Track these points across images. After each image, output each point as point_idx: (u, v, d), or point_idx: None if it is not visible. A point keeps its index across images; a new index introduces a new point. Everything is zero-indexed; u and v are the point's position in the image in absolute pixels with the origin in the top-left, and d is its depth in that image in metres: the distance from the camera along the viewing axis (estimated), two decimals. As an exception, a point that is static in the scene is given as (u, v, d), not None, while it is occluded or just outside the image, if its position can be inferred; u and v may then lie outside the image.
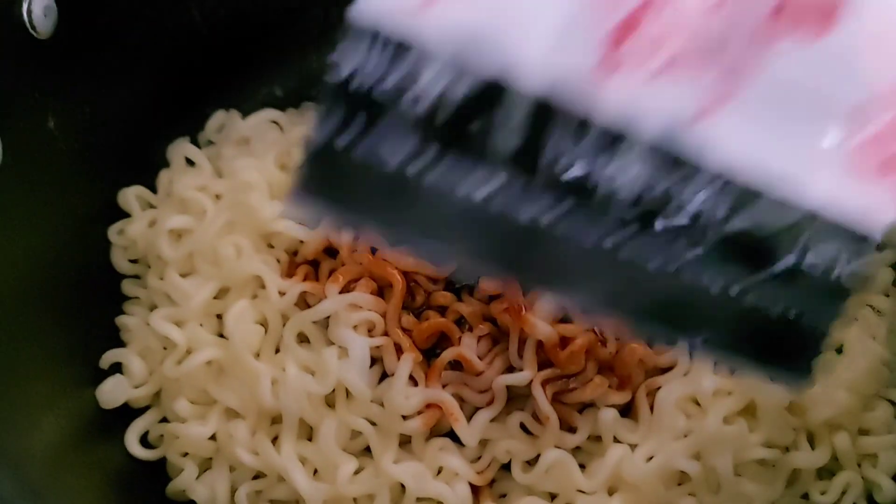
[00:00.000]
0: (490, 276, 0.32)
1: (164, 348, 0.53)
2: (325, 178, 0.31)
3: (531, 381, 0.47)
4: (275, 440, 0.50)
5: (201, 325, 0.52)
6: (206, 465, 0.51)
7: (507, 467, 0.49)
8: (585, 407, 0.49)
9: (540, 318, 0.48)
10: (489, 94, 0.29)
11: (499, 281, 0.39)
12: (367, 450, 0.49)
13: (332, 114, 0.30)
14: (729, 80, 0.30)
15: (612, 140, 0.29)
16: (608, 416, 0.48)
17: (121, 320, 0.55)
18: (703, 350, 0.32)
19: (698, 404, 0.49)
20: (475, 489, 0.48)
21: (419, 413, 0.48)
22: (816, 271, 0.30)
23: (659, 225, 0.30)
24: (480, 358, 0.49)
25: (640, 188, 0.30)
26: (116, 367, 0.52)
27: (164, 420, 0.52)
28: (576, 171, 0.29)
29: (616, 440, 0.48)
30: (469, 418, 0.48)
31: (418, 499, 0.47)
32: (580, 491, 0.48)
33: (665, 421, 0.48)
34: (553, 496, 0.48)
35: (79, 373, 0.51)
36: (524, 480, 0.48)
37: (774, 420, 0.48)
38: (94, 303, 0.54)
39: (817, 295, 0.31)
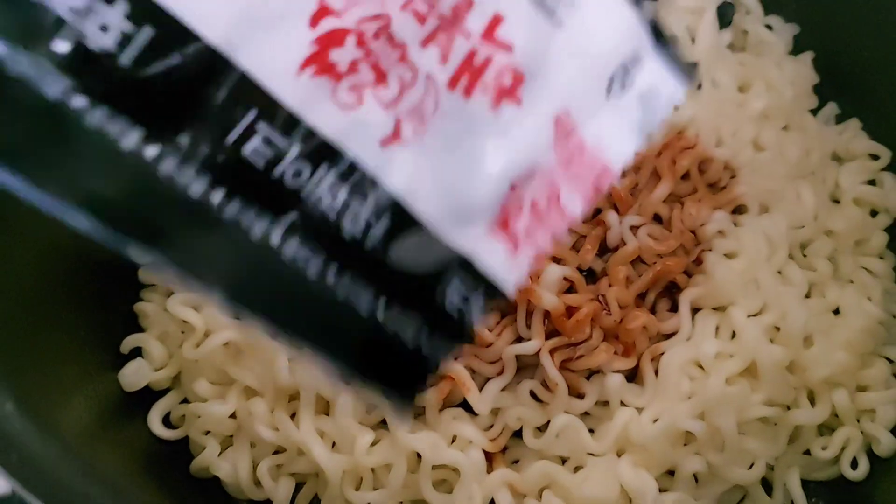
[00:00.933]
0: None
1: (182, 332, 0.54)
2: None
3: (539, 349, 0.49)
4: (293, 416, 0.51)
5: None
6: (227, 443, 0.52)
7: (518, 434, 0.51)
8: (592, 374, 0.51)
9: (546, 289, 0.49)
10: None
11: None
12: (383, 422, 0.51)
13: None
14: (415, 114, 0.29)
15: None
16: (614, 381, 0.49)
17: (139, 307, 0.56)
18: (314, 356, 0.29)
19: (701, 368, 0.51)
20: (488, 456, 0.50)
21: (432, 385, 0.50)
22: (451, 308, 0.30)
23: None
24: (489, 330, 0.51)
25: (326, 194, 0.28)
26: (137, 352, 0.54)
27: (185, 401, 0.54)
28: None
29: (623, 405, 0.50)
30: (480, 388, 0.50)
31: (434, 466, 0.49)
32: (590, 454, 0.49)
33: (670, 384, 0.50)
34: (564, 459, 0.50)
35: (102, 358, 0.53)
36: (535, 445, 0.49)
37: (775, 380, 0.50)
38: (113, 290, 0.55)
39: (445, 330, 0.30)
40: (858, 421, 0.52)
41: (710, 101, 0.58)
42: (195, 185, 0.26)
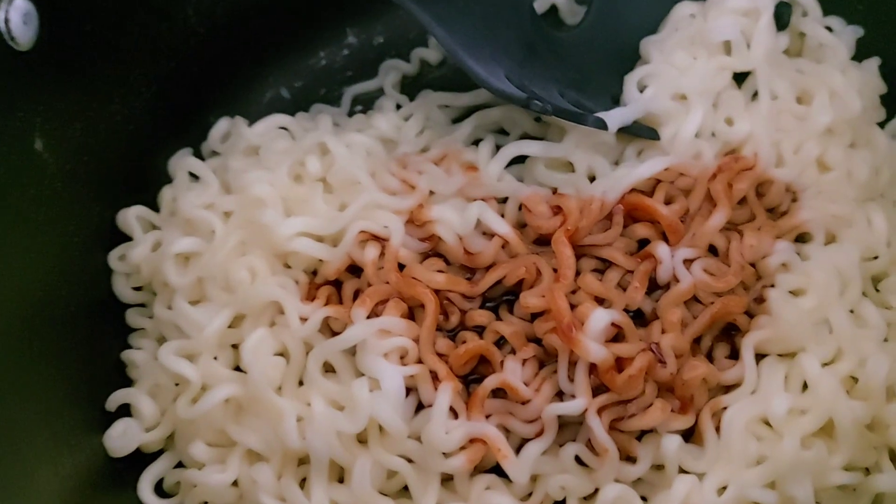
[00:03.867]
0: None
1: (176, 384, 0.48)
2: None
3: (586, 409, 0.43)
4: (302, 482, 0.45)
5: (215, 357, 0.48)
6: (228, 514, 0.46)
7: (561, 504, 0.44)
8: (644, 432, 0.45)
9: (592, 339, 0.43)
10: None
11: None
12: (406, 489, 0.45)
13: None
14: None
15: None
16: (672, 444, 0.43)
17: (127, 355, 0.50)
18: None
19: (768, 425, 0.44)
20: (527, 531, 0.44)
21: (462, 449, 0.43)
22: None
23: None
24: (526, 384, 0.45)
25: None
26: (124, 408, 0.48)
27: (180, 464, 0.47)
28: None
29: (681, 469, 0.44)
30: (516, 450, 0.44)
31: (465, 544, 0.43)
32: (644, 529, 0.43)
33: (734, 446, 0.43)
34: (614, 535, 0.44)
35: (83, 417, 0.47)
36: (582, 519, 0.43)
37: (854, 440, 0.43)
38: (96, 337, 0.50)
39: None
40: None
41: (769, 115, 0.52)
42: None
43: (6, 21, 0.41)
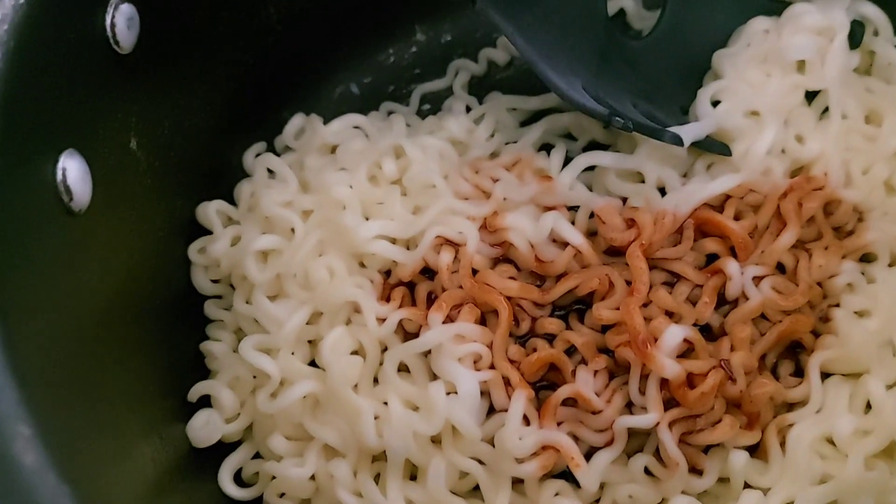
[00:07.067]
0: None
1: (254, 377, 0.50)
2: None
3: (657, 423, 0.44)
4: (376, 478, 0.47)
5: (293, 353, 0.49)
6: (305, 504, 0.48)
7: (626, 511, 0.46)
8: (710, 445, 0.46)
9: (665, 354, 0.44)
10: None
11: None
12: (476, 488, 0.46)
13: None
14: None
15: None
16: (740, 459, 0.44)
17: (206, 346, 0.52)
18: None
19: (832, 444, 0.46)
20: (594, 535, 0.45)
21: (534, 455, 0.45)
22: None
23: None
24: (596, 394, 0.46)
25: None
26: (202, 398, 0.50)
27: (258, 455, 0.49)
28: None
29: (745, 484, 0.45)
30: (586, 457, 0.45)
31: (535, 545, 0.44)
32: (709, 539, 0.45)
33: (800, 464, 0.44)
34: (679, 544, 0.45)
35: (168, 405, 0.48)
36: (648, 527, 0.45)
37: (916, 461, 0.45)
38: (177, 328, 0.51)
39: None
40: None
41: (839, 135, 0.52)
42: None
43: (112, 26, 0.42)
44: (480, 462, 0.46)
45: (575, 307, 0.50)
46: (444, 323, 0.47)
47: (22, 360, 0.32)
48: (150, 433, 0.46)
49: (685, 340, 0.46)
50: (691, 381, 0.45)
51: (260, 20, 0.56)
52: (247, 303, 0.51)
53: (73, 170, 0.39)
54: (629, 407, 0.46)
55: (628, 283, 0.48)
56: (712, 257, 0.50)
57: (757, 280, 0.49)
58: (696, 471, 0.46)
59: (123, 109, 0.45)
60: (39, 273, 0.36)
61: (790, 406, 0.47)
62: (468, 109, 0.59)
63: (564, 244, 0.50)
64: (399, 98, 0.62)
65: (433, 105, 0.62)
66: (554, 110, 0.57)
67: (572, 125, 0.57)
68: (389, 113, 0.60)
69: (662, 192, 0.51)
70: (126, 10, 0.42)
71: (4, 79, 0.35)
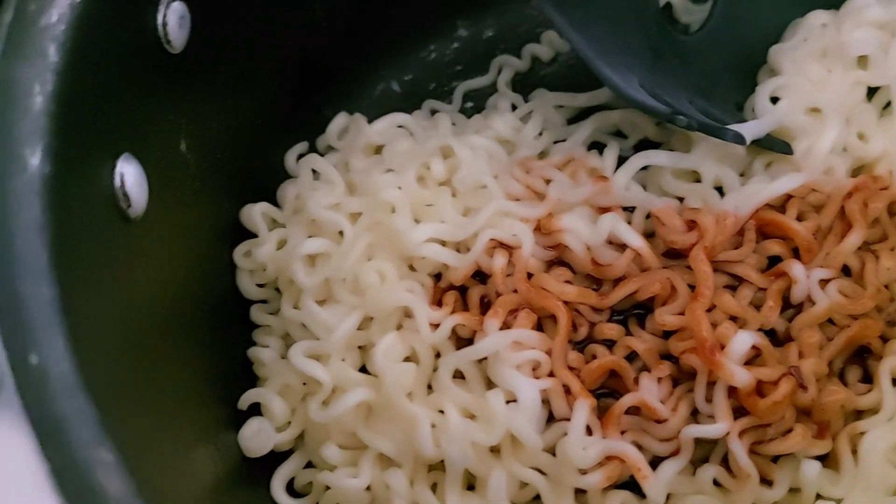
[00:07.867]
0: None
1: (304, 384, 0.48)
2: None
3: (727, 433, 0.43)
4: (432, 488, 0.46)
5: (343, 359, 0.48)
6: (360, 516, 0.47)
7: (694, 523, 0.44)
8: (779, 455, 0.45)
9: (736, 363, 0.43)
10: None
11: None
12: (536, 497, 0.45)
13: None
14: None
15: None
16: (812, 470, 0.43)
17: (253, 352, 0.50)
18: None
19: (905, 452, 0.44)
20: (660, 548, 0.44)
21: (598, 465, 0.44)
22: None
23: None
24: (661, 402, 0.45)
25: None
26: (253, 406, 0.48)
27: (310, 464, 0.48)
28: None
29: (817, 495, 0.44)
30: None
31: (600, 559, 0.43)
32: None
33: (874, 473, 0.43)
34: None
35: (218, 414, 0.47)
36: (717, 539, 0.43)
37: None
38: (223, 334, 0.50)
39: None
40: None
41: (903, 132, 0.51)
42: None
43: (164, 25, 0.40)
44: (541, 472, 0.45)
45: (634, 311, 0.49)
46: (500, 329, 0.46)
47: (94, 378, 0.30)
48: (206, 444, 0.45)
49: (752, 347, 0.44)
50: (760, 388, 0.44)
51: (306, 17, 0.54)
52: (294, 308, 0.50)
53: (130, 175, 0.37)
54: (693, 415, 0.45)
55: (690, 286, 0.47)
56: (773, 260, 0.49)
57: (823, 283, 0.47)
58: (765, 481, 0.44)
59: (174, 111, 0.43)
60: (101, 285, 0.35)
61: (858, 413, 0.46)
62: (514, 107, 0.58)
63: (621, 246, 0.49)
64: (441, 96, 0.61)
65: (476, 103, 0.60)
66: (603, 107, 0.56)
67: (623, 122, 0.55)
68: (433, 111, 0.59)
69: (719, 191, 0.50)
70: (178, 7, 0.41)
71: (63, 79, 0.34)
